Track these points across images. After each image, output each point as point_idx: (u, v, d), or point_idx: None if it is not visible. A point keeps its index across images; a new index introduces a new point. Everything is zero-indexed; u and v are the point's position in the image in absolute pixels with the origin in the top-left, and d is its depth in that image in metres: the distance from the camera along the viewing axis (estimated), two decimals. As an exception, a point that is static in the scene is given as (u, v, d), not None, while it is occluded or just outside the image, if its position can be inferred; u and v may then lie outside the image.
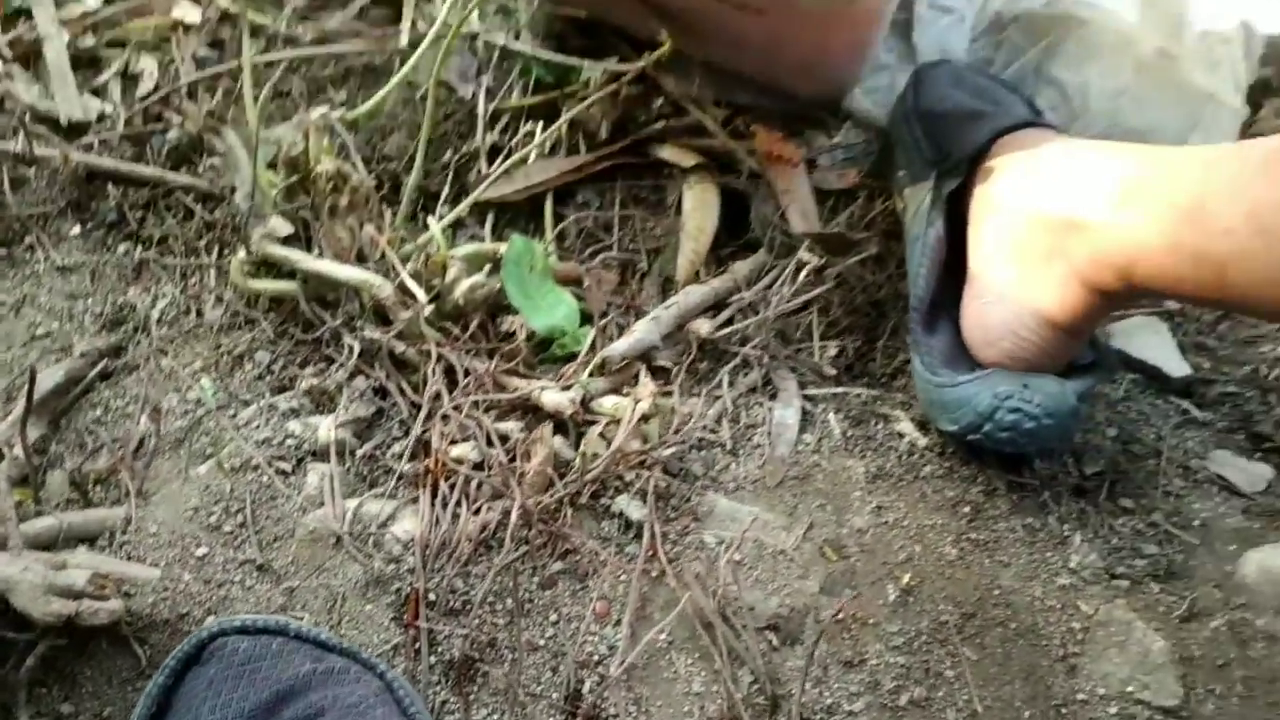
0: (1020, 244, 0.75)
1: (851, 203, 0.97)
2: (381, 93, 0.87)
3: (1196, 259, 0.62)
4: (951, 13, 1.03)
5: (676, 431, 0.77)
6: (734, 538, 0.73)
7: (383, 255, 0.78)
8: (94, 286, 0.86)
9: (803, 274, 0.88)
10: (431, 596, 0.68)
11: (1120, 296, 0.70)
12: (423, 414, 0.74)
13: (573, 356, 0.79)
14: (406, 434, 0.74)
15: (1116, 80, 0.98)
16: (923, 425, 0.84)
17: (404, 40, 1.01)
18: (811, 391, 0.85)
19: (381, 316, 0.77)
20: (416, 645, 0.67)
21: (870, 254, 0.92)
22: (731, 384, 0.83)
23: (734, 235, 0.96)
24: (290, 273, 0.79)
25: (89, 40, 0.97)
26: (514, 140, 0.96)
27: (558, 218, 0.92)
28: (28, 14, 0.96)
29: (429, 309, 0.76)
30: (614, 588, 0.71)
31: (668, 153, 0.99)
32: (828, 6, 0.87)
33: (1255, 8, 0.97)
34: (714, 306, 0.88)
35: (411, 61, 0.88)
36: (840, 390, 0.85)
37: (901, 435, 0.83)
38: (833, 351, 0.89)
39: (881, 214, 0.96)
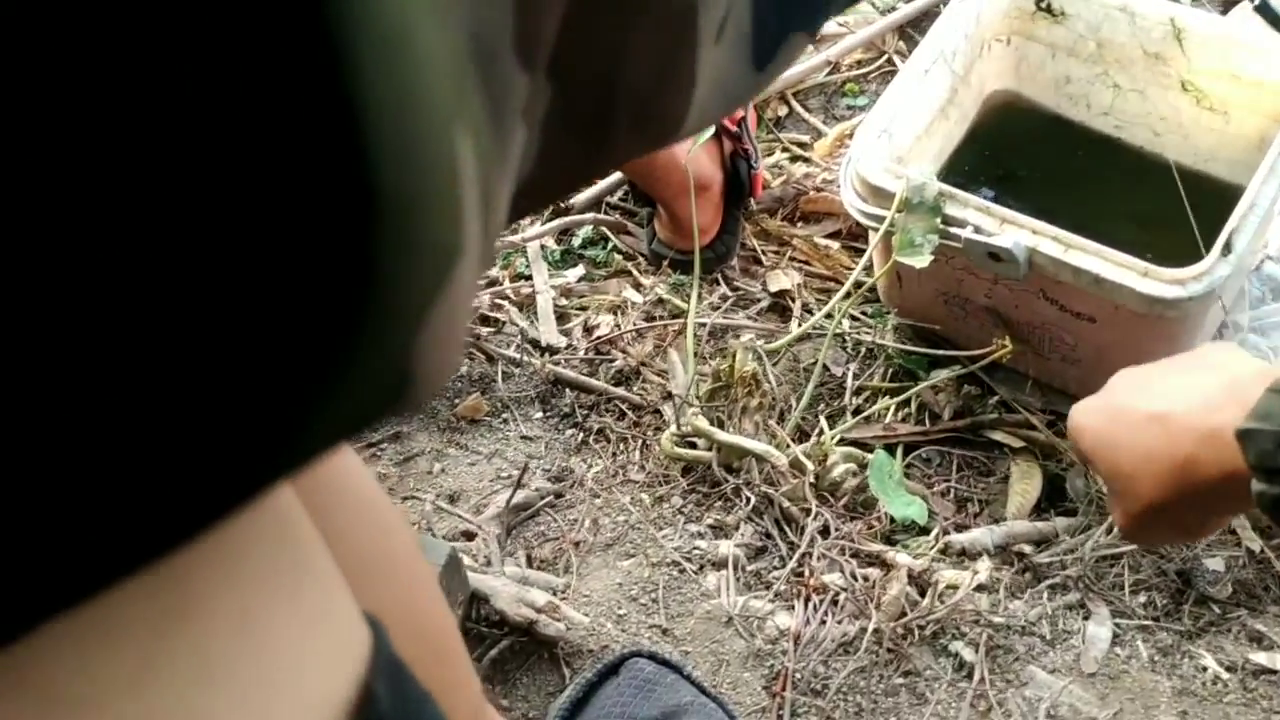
0: None
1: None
2: (786, 339, 1.14)
3: None
4: (1259, 358, 1.21)
5: (1004, 611, 0.91)
6: (1053, 698, 0.85)
7: (776, 440, 1.01)
8: (545, 453, 1.12)
9: (1116, 529, 1.03)
10: (798, 676, 0.84)
11: None
12: (800, 551, 0.93)
13: (923, 533, 0.97)
14: (783, 565, 0.93)
15: None
16: (1229, 667, 0.93)
17: (794, 330, 1.29)
18: (1121, 622, 0.97)
19: (771, 482, 0.99)
20: (780, 712, 0.82)
21: (1178, 532, 1.06)
22: (1050, 598, 0.97)
23: (1053, 505, 1.13)
24: (704, 448, 1.04)
25: (563, 301, 1.31)
26: (874, 409, 1.20)
27: (906, 466, 1.13)
28: (528, 277, 1.32)
29: (811, 481, 0.98)
30: (946, 709, 0.84)
31: (999, 436, 1.19)
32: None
33: None
34: (1037, 543, 1.04)
35: (801, 330, 1.16)
36: (1149, 623, 0.97)
37: (1205, 669, 0.93)
38: (1141, 599, 1.01)
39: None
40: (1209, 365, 0.60)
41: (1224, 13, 1.45)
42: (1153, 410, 0.59)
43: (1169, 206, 1.23)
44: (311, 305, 0.19)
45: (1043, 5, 1.22)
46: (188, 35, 0.17)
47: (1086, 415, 0.65)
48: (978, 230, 1.03)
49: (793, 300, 1.31)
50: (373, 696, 0.31)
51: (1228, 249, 0.99)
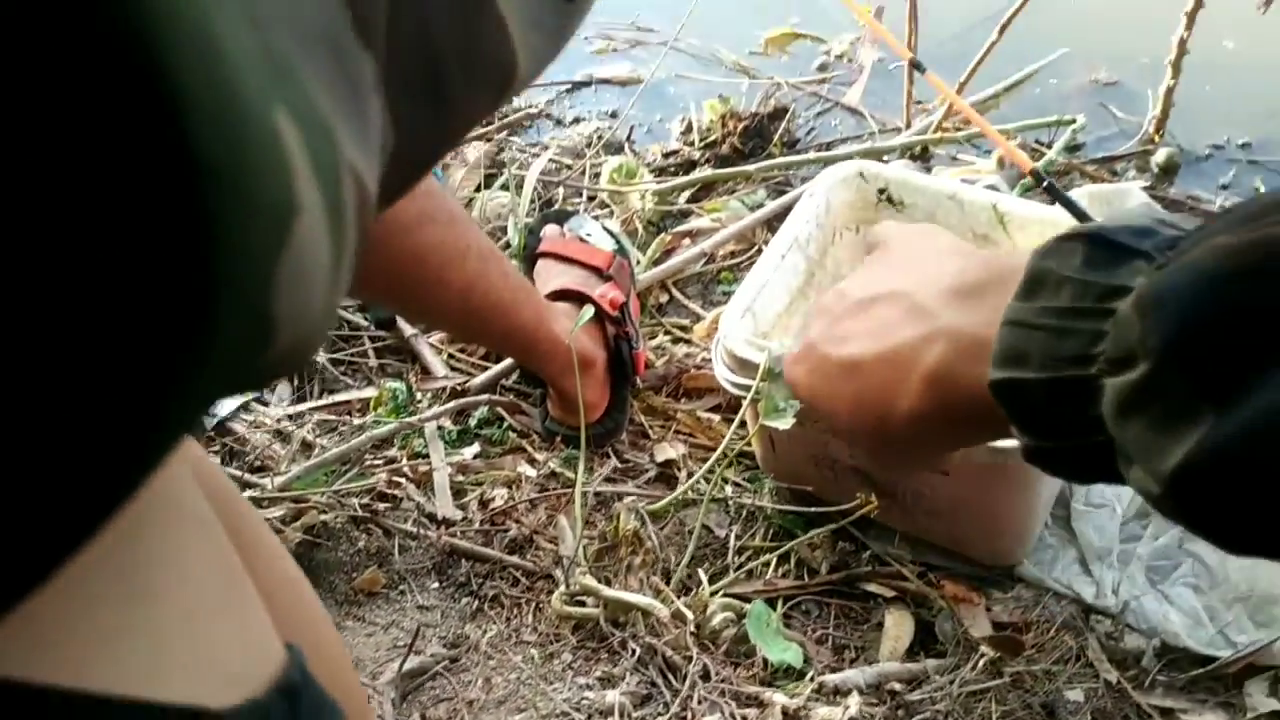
0: None
1: (1023, 634, 1.20)
2: (668, 500, 1.22)
3: None
4: (1104, 506, 1.32)
5: (877, 744, 0.97)
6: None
7: (661, 595, 1.07)
8: (441, 621, 1.17)
9: (982, 663, 1.10)
10: (680, 813, 0.87)
11: None
12: (683, 694, 0.98)
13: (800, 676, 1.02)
14: (667, 711, 0.98)
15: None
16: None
17: (676, 494, 1.37)
18: (991, 754, 1.03)
19: (655, 633, 1.04)
20: None
21: (1043, 667, 1.13)
22: (922, 733, 1.03)
23: (925, 648, 1.19)
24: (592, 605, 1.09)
25: (460, 476, 1.37)
26: (755, 564, 1.27)
27: (785, 616, 1.19)
28: (426, 456, 1.38)
29: (693, 630, 1.03)
30: (823, 839, 0.88)
31: (873, 587, 1.26)
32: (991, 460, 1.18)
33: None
34: (908, 681, 1.10)
35: (679, 492, 1.24)
36: (1016, 754, 1.03)
37: (1070, 793, 0.99)
38: (1009, 731, 1.07)
39: (1050, 641, 1.18)
40: (896, 277, 0.55)
41: (1052, 202, 1.63)
42: (844, 358, 0.55)
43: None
44: (171, 261, 0.23)
45: (884, 196, 1.38)
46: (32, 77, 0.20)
47: (793, 367, 0.60)
48: (834, 393, 1.14)
49: (678, 470, 1.39)
50: (292, 683, 0.37)
51: (1054, 401, 1.10)
